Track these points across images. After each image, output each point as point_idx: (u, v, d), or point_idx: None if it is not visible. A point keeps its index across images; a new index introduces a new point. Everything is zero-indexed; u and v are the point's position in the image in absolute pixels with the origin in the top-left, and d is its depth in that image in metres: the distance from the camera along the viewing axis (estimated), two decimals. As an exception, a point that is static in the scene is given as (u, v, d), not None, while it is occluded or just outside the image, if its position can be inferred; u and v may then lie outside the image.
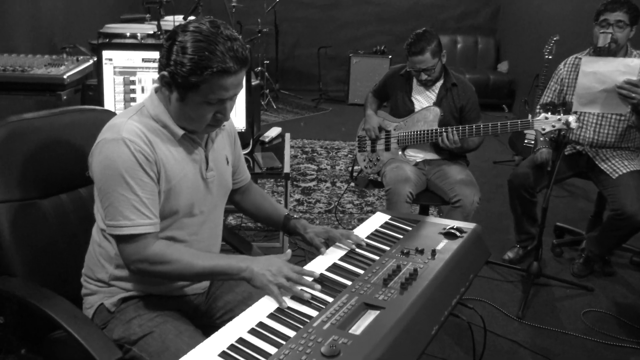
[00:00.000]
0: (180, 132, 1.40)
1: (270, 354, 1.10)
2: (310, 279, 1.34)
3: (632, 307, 2.76)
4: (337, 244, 1.58)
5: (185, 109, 1.35)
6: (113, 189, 1.32)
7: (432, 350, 2.29)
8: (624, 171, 2.75)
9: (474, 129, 2.60)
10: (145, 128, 1.37)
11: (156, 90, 1.42)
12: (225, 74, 1.28)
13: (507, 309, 2.68)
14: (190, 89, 1.30)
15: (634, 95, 2.41)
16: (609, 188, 2.76)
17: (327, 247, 1.57)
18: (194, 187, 1.45)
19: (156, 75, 1.78)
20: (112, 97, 2.14)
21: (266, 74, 6.59)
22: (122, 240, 1.35)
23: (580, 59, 2.82)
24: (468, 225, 1.66)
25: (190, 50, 1.26)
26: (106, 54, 2.11)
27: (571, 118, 2.41)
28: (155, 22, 3.90)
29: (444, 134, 2.62)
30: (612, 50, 2.63)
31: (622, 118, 2.77)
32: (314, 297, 1.31)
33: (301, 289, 1.30)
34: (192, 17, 4.38)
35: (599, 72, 2.48)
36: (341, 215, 3.72)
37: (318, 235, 1.61)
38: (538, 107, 3.08)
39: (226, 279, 1.53)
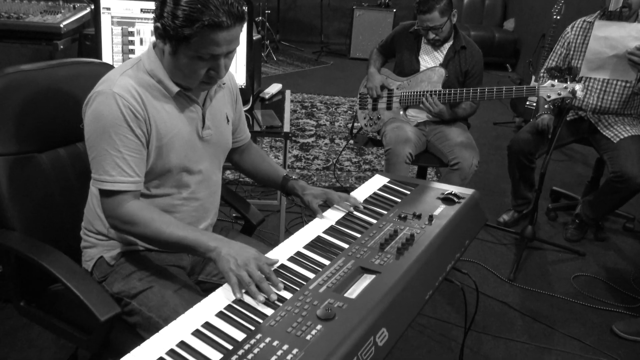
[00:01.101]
0: (175, 88, 1.37)
1: (266, 315, 1.12)
2: (271, 286, 1.20)
3: (621, 273, 2.81)
4: (335, 206, 1.58)
5: (177, 63, 1.32)
6: (98, 142, 1.31)
7: (425, 311, 2.35)
8: (625, 135, 2.74)
9: (478, 93, 2.57)
10: (139, 84, 1.34)
11: (154, 45, 1.39)
12: (217, 28, 1.23)
13: (500, 271, 2.72)
14: (181, 42, 1.26)
15: None
16: (610, 151, 2.76)
17: (325, 209, 1.57)
18: (189, 145, 1.43)
19: (155, 28, 1.71)
20: (109, 48, 2.09)
21: (267, 24, 6.45)
22: (102, 194, 1.35)
23: (589, 22, 2.76)
24: (466, 191, 1.67)
25: (183, 1, 1.22)
26: (104, 2, 2.04)
27: (577, 87, 2.38)
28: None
29: (424, 97, 2.62)
30: (624, 15, 2.56)
31: (627, 85, 2.74)
32: (310, 259, 1.33)
33: (256, 291, 1.18)
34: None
35: (610, 37, 2.43)
36: (339, 172, 3.72)
37: (316, 197, 1.61)
38: (542, 70, 3.04)
39: (194, 254, 1.41)
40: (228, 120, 1.57)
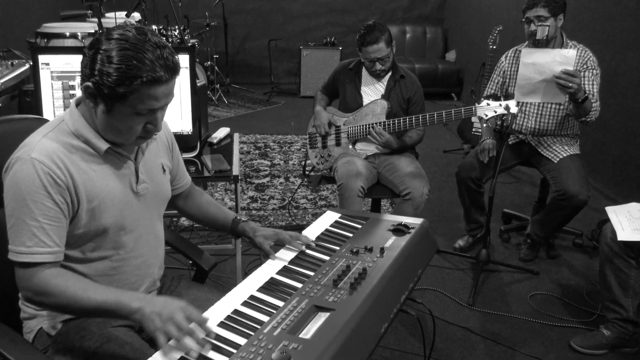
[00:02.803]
0: (105, 146, 1.32)
1: (220, 364, 1.10)
2: (202, 334, 1.17)
3: (574, 288, 2.89)
4: (288, 245, 1.59)
5: (112, 121, 1.27)
6: (15, 211, 1.24)
7: (387, 342, 2.34)
8: (565, 155, 2.87)
9: (420, 119, 2.66)
10: (62, 146, 1.28)
11: (77, 103, 1.35)
12: (155, 83, 1.21)
13: (459, 296, 2.76)
14: (117, 100, 1.22)
15: (570, 84, 2.51)
16: (552, 171, 2.88)
17: (279, 248, 1.57)
18: (123, 202, 1.38)
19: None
20: (50, 103, 2.06)
21: (216, 68, 6.49)
22: (17, 265, 1.26)
23: (519, 51, 2.91)
24: (415, 221, 1.70)
25: (116, 59, 1.19)
26: (42, 58, 2.02)
27: (511, 102, 2.51)
28: (96, 20, 3.78)
29: (372, 129, 2.70)
30: (541, 42, 2.71)
31: (561, 107, 2.88)
32: (264, 302, 1.32)
33: (189, 344, 1.15)
34: (135, 14, 4.27)
35: (537, 62, 2.57)
36: (295, 211, 3.73)
37: (267, 238, 1.60)
38: (482, 98, 3.16)
39: (117, 318, 1.33)
40: (164, 170, 1.54)
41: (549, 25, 2.69)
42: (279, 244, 1.61)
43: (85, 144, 1.32)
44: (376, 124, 2.73)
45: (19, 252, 1.24)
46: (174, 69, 1.26)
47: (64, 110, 2.07)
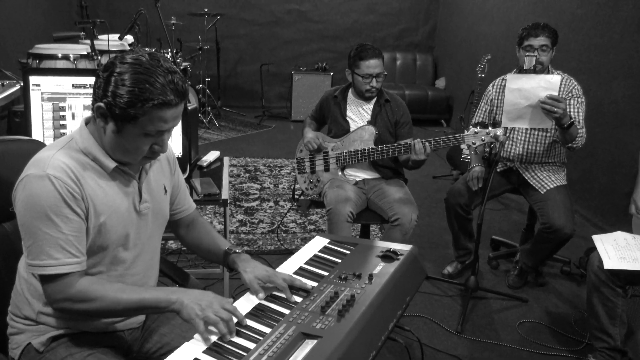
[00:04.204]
0: (112, 164, 1.37)
1: (205, 392, 1.09)
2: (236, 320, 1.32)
3: (562, 316, 2.89)
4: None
5: (121, 140, 1.32)
6: (37, 227, 1.27)
7: (375, 370, 2.31)
8: (551, 186, 2.90)
9: (409, 146, 2.66)
10: (73, 162, 1.32)
11: (87, 122, 1.39)
12: (165, 106, 1.27)
13: (447, 323, 2.74)
14: (128, 121, 1.28)
15: (555, 109, 2.54)
16: (538, 202, 2.90)
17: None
18: (127, 220, 1.42)
19: (87, 102, 1.72)
20: (40, 124, 2.06)
21: (208, 91, 6.53)
22: (45, 279, 1.30)
23: (506, 80, 2.96)
24: (404, 247, 1.70)
25: (129, 82, 1.24)
26: (33, 79, 2.02)
27: (499, 131, 2.53)
28: (89, 42, 3.79)
29: (415, 144, 2.58)
30: (537, 72, 2.77)
31: (548, 134, 2.92)
32: (250, 329, 1.31)
33: (225, 328, 1.28)
34: (128, 36, 4.29)
35: (523, 88, 2.61)
36: (284, 235, 3.71)
37: (258, 278, 1.50)
38: (471, 126, 3.20)
39: (156, 312, 1.49)
40: (166, 191, 1.56)
41: (536, 56, 2.75)
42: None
43: (93, 161, 1.36)
44: (365, 150, 2.74)
45: (46, 265, 1.28)
46: (183, 94, 1.31)
47: (53, 131, 2.08)
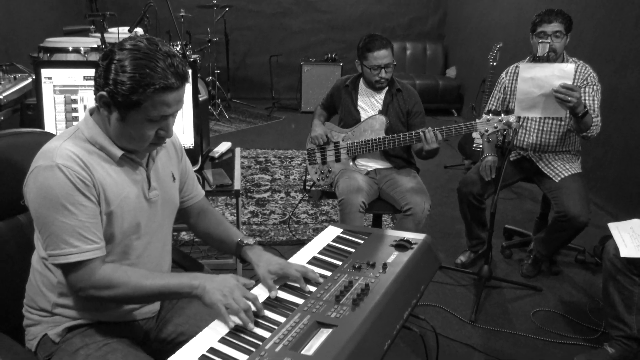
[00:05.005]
0: (119, 152, 1.36)
1: (222, 380, 1.09)
2: (254, 308, 1.30)
3: (577, 305, 2.86)
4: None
5: (126, 128, 1.32)
6: (53, 217, 1.27)
7: None
8: (566, 174, 2.86)
9: (420, 135, 2.63)
10: (81, 151, 1.32)
11: (91, 113, 1.39)
12: (167, 90, 1.27)
13: (461, 312, 2.73)
14: (131, 108, 1.27)
15: (569, 98, 2.50)
16: (553, 191, 2.87)
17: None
18: (137, 208, 1.42)
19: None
20: (52, 117, 2.06)
21: (217, 83, 6.52)
22: (68, 268, 1.31)
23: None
24: (418, 237, 1.69)
25: (130, 68, 1.24)
26: (45, 72, 2.02)
27: (512, 118, 2.49)
28: (99, 35, 3.80)
29: (425, 133, 2.55)
30: (551, 59, 2.73)
31: (562, 123, 2.88)
32: (265, 318, 1.30)
33: (247, 318, 1.27)
34: (138, 29, 4.29)
35: (536, 77, 2.57)
36: (296, 225, 3.71)
37: (271, 272, 1.47)
38: (483, 114, 3.17)
39: (178, 298, 1.50)
40: (174, 179, 1.56)
41: (550, 42, 2.71)
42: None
43: (100, 150, 1.36)
44: (376, 139, 2.72)
45: (67, 254, 1.29)
46: (184, 77, 1.31)
47: (66, 124, 2.08)
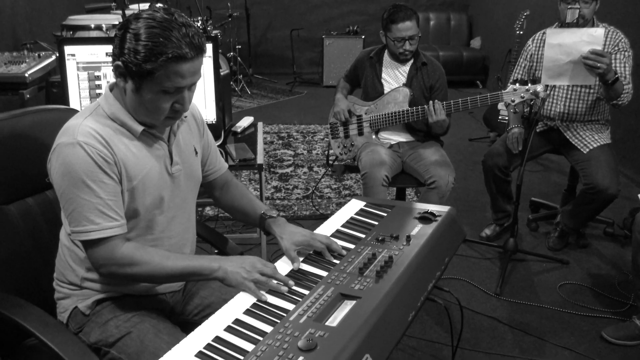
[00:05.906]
0: (140, 128, 1.36)
1: (247, 351, 1.10)
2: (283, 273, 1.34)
3: (605, 278, 2.82)
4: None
5: (141, 99, 1.31)
6: (75, 194, 1.29)
7: (413, 332, 2.32)
8: (595, 145, 2.79)
9: (444, 106, 2.60)
10: (102, 127, 1.33)
11: (111, 89, 1.39)
12: (181, 60, 1.25)
13: (486, 286, 2.72)
14: (145, 77, 1.27)
15: (599, 64, 2.42)
16: (581, 163, 2.80)
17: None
18: (160, 183, 1.42)
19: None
20: (77, 93, 2.08)
21: (239, 59, 6.50)
22: (89, 244, 1.33)
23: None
24: (442, 209, 1.67)
25: (144, 37, 1.23)
26: (68, 49, 2.04)
27: (539, 87, 2.43)
28: (120, 12, 3.80)
29: (430, 106, 2.57)
30: (580, 26, 2.64)
31: (591, 91, 2.80)
32: (290, 291, 1.31)
33: (277, 283, 1.31)
34: (159, 5, 4.28)
35: (564, 43, 2.49)
36: (319, 200, 3.71)
37: (295, 244, 1.48)
38: (509, 83, 3.10)
39: (199, 280, 1.51)
40: (196, 153, 1.56)
41: (579, 8, 2.61)
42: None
43: (122, 126, 1.36)
44: (399, 112, 2.69)
45: (89, 231, 1.30)
46: (200, 48, 1.29)
47: (90, 100, 2.10)
